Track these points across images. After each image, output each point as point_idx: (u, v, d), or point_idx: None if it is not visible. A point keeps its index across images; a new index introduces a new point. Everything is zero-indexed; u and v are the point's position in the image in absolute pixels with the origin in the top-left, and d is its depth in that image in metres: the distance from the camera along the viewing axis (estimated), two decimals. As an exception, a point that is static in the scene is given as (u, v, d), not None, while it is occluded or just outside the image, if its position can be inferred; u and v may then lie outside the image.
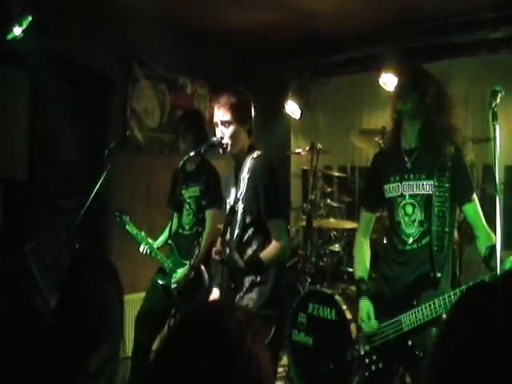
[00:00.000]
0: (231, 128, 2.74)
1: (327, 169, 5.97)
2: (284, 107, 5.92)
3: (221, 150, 2.78)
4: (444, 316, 2.39)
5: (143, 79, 5.23)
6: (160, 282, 3.91)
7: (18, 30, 3.90)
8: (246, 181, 2.75)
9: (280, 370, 4.35)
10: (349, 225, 4.93)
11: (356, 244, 2.90)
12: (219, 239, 2.80)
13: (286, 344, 4.14)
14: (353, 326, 3.65)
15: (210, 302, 2.21)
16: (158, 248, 4.00)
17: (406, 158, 2.65)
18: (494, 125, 2.26)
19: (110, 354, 1.58)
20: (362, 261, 2.82)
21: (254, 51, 5.98)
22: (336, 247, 5.03)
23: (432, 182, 2.57)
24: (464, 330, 0.94)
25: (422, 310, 2.47)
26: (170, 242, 3.92)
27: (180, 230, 4.02)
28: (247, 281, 2.70)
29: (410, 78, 2.62)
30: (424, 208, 2.59)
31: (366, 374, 2.67)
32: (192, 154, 2.91)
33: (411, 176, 2.63)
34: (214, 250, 2.76)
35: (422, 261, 2.59)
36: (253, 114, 2.85)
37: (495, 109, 2.29)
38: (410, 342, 2.53)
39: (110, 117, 5.03)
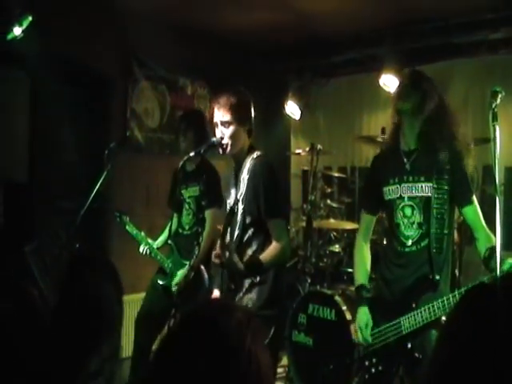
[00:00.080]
0: (231, 128, 2.74)
1: (327, 169, 5.97)
2: (284, 108, 5.91)
3: (221, 151, 2.78)
4: (443, 318, 2.39)
5: (143, 80, 5.23)
6: (160, 283, 3.91)
7: (18, 30, 3.90)
8: (245, 181, 2.75)
9: (280, 370, 4.35)
10: (349, 225, 4.93)
11: (356, 248, 2.89)
12: (219, 242, 2.79)
13: (286, 344, 4.14)
14: (353, 327, 3.64)
15: (209, 302, 2.20)
16: (157, 248, 4.00)
17: (405, 160, 2.65)
18: (494, 125, 2.26)
19: (109, 354, 1.59)
20: (363, 266, 2.81)
21: (254, 52, 5.98)
22: (336, 248, 5.03)
23: (431, 184, 2.57)
24: (464, 331, 0.94)
25: (421, 312, 2.46)
26: (169, 242, 3.93)
27: (180, 230, 4.02)
28: (246, 281, 2.70)
29: (410, 78, 2.63)
30: (423, 210, 2.59)
31: (366, 376, 2.67)
32: (192, 154, 2.91)
33: (410, 178, 2.63)
34: (213, 253, 2.75)
35: (421, 263, 2.59)
36: (253, 115, 2.84)
37: (495, 109, 2.28)
38: (409, 345, 2.53)
39: (109, 117, 5.03)
